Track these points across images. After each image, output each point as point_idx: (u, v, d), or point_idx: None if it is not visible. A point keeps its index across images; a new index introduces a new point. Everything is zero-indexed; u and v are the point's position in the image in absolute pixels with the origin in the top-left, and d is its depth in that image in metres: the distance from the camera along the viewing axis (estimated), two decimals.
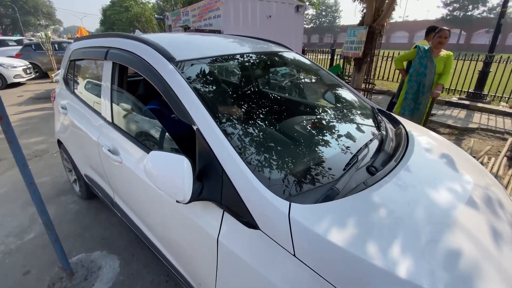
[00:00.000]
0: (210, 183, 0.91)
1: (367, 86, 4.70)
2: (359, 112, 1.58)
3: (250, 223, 0.83)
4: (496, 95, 5.64)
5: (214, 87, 1.24)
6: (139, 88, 1.84)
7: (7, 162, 3.18)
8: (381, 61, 7.48)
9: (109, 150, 1.44)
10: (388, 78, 7.86)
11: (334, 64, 7.96)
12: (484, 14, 35.70)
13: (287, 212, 0.77)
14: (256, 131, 1.14)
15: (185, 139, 1.24)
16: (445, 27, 3.00)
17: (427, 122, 3.25)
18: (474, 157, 3.16)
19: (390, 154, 1.18)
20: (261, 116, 1.30)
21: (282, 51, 1.78)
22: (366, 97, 4.69)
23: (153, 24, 20.27)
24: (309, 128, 1.36)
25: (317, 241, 0.73)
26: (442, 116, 4.83)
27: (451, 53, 3.04)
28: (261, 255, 0.79)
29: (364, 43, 3.07)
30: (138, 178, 1.25)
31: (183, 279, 1.22)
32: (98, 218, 2.22)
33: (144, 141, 1.36)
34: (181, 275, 1.22)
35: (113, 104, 1.52)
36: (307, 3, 11.60)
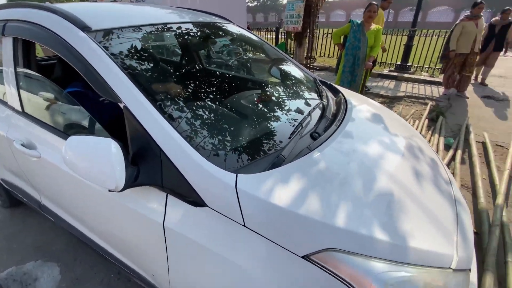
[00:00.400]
0: (147, 166, 0.83)
1: (308, 61, 4.86)
2: (302, 83, 1.62)
3: (197, 202, 0.79)
4: (419, 66, 6.40)
5: (142, 59, 1.10)
6: (56, 68, 1.56)
7: None
8: (322, 39, 7.80)
9: (22, 145, 1.22)
10: (329, 54, 8.26)
11: (279, 42, 8.02)
12: None
13: (234, 184, 0.76)
14: (197, 105, 1.08)
15: (116, 122, 1.11)
16: (373, 2, 3.21)
17: (362, 92, 3.54)
18: None
19: (331, 120, 1.25)
20: (202, 90, 1.23)
21: (222, 22, 1.69)
22: None
23: None
24: (254, 102, 1.35)
25: (264, 207, 0.73)
26: (375, 87, 5.32)
27: (380, 27, 3.29)
28: (211, 232, 0.78)
29: (303, 17, 3.13)
30: (63, 172, 1.09)
31: (135, 274, 1.14)
32: (26, 226, 1.94)
33: (66, 130, 1.18)
34: (132, 269, 1.14)
35: (21, 90, 1.27)
36: None
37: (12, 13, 1.25)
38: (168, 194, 0.84)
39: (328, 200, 0.77)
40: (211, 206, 0.77)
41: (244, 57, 2.08)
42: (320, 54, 8.44)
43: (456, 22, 4.36)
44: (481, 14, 4.16)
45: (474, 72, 4.99)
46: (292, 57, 5.23)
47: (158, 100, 0.92)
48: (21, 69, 1.26)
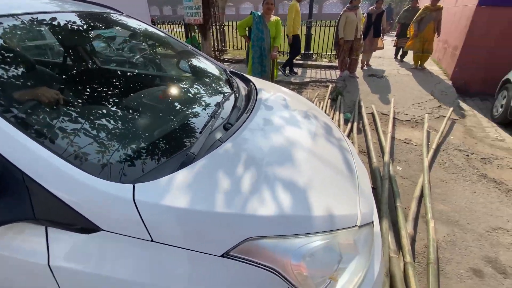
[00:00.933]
0: (10, 198, 0.64)
1: (217, 54, 4.83)
2: (211, 76, 1.57)
3: (87, 228, 0.65)
4: (319, 53, 7.19)
5: None
6: None
7: None
8: (233, 31, 7.89)
9: None
10: (241, 47, 8.45)
11: (190, 36, 7.74)
12: None
13: (131, 196, 0.65)
14: (76, 111, 0.90)
15: None
16: None
17: (273, 81, 3.75)
18: None
19: (243, 109, 1.24)
20: (83, 92, 1.05)
21: (105, 12, 1.46)
22: None
23: None
24: (157, 100, 1.23)
25: (171, 214, 0.66)
26: (286, 75, 5.73)
27: (279, 18, 3.51)
28: (114, 259, 0.65)
29: (202, 8, 3.07)
30: None
31: None
32: None
33: None
34: None
35: None
36: None
37: None
38: (48, 227, 0.68)
39: (239, 190, 0.75)
40: (107, 228, 0.65)
41: (145, 53, 1.89)
42: (233, 46, 8.55)
43: (340, 13, 5.04)
44: (359, 5, 4.91)
45: (361, 56, 5.88)
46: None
47: (15, 113, 0.73)
48: None
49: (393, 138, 3.10)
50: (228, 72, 1.66)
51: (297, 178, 0.86)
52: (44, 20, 1.11)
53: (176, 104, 1.23)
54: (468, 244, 1.76)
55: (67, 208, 0.64)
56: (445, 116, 3.54)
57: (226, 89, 1.46)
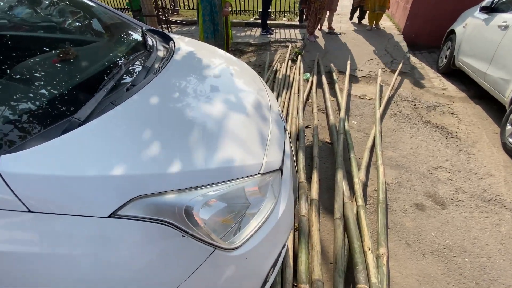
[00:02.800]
0: None
1: (161, 13, 4.30)
2: (122, 35, 1.44)
3: None
4: (278, 11, 6.89)
5: None
6: None
7: None
8: None
9: None
10: (195, 7, 7.77)
11: None
12: None
13: None
14: None
15: None
16: None
17: (229, 41, 3.54)
18: (270, 66, 3.88)
19: (152, 69, 1.14)
20: None
21: None
22: (166, 29, 4.40)
23: None
24: (52, 63, 1.07)
25: (51, 183, 0.62)
26: (245, 36, 5.46)
27: None
28: None
29: None
30: None
31: None
32: None
33: None
34: None
35: None
36: None
37: None
38: None
39: (128, 152, 0.73)
40: None
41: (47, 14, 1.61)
42: (185, 6, 7.82)
43: None
44: None
45: (325, 16, 5.58)
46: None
47: None
48: None
49: (349, 94, 3.21)
50: (145, 30, 1.51)
51: (198, 137, 0.86)
52: None
53: (71, 67, 1.10)
54: (412, 184, 1.97)
55: None
56: (396, 70, 3.70)
57: (138, 48, 1.33)
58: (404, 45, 4.73)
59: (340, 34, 5.37)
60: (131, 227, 0.65)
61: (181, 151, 0.79)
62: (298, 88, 3.13)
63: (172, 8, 7.25)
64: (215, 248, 0.74)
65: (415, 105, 3.00)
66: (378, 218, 1.61)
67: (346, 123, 2.49)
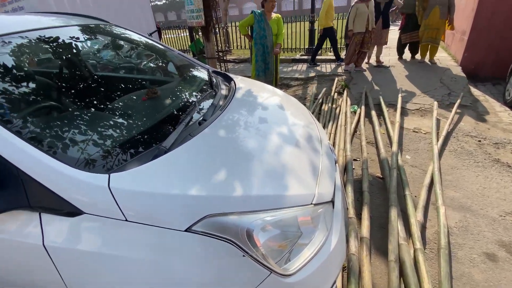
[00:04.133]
0: (8, 191, 0.76)
1: (221, 55, 4.89)
2: (193, 76, 1.67)
3: (72, 212, 0.76)
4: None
5: None
6: None
7: None
8: (236, 31, 7.95)
9: None
10: (245, 46, 8.50)
11: (195, 39, 7.85)
12: None
13: (107, 184, 0.76)
14: (58, 112, 1.04)
15: None
16: None
17: (277, 77, 3.77)
18: (316, 98, 3.98)
19: (219, 106, 1.32)
20: (62, 96, 1.18)
21: (93, 24, 1.58)
22: (224, 66, 4.91)
23: None
24: (137, 100, 1.33)
25: (142, 198, 0.77)
26: (291, 71, 5.74)
27: (280, 16, 3.53)
28: (96, 237, 0.76)
29: (203, 11, 3.13)
30: None
31: None
32: None
33: None
34: None
35: None
36: None
37: None
38: (41, 213, 0.79)
39: (202, 176, 0.86)
40: (89, 211, 0.76)
41: (129, 59, 1.97)
42: (238, 46, 8.61)
43: (352, 5, 4.94)
44: None
45: (373, 50, 5.47)
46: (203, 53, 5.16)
47: (6, 116, 0.86)
48: None
49: (401, 127, 3.08)
50: (211, 72, 1.75)
51: (258, 166, 0.96)
52: (46, 35, 1.26)
53: (156, 104, 1.34)
54: (481, 229, 1.74)
55: (54, 196, 0.75)
56: (455, 103, 3.47)
57: (206, 88, 1.54)
58: (462, 76, 4.44)
59: (389, 67, 5.29)
60: (202, 241, 0.75)
61: (243, 178, 0.89)
62: (345, 120, 3.12)
63: (226, 48, 8.05)
64: (271, 272, 0.79)
65: (480, 141, 2.74)
66: (440, 265, 1.45)
67: (399, 158, 2.38)
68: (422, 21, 4.93)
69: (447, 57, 5.70)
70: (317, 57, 6.41)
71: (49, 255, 0.77)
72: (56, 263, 0.78)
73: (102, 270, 0.77)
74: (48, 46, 1.32)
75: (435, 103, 3.49)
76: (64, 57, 1.44)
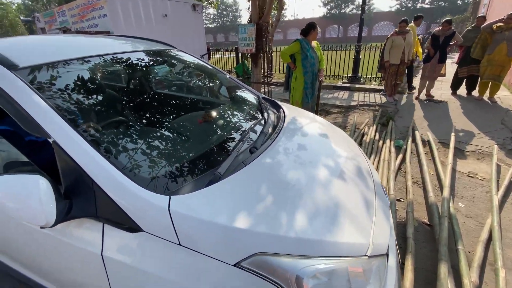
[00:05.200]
0: (81, 198, 0.82)
1: (266, 80, 5.12)
2: (245, 102, 1.71)
3: (133, 228, 0.80)
4: (367, 76, 6.99)
5: (71, 92, 1.08)
6: None
7: None
8: (278, 56, 8.19)
9: None
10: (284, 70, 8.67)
11: (240, 62, 8.26)
12: (354, 11, 43.66)
13: (167, 206, 0.78)
14: (132, 133, 1.10)
15: (46, 157, 1.05)
16: (314, 22, 3.50)
17: (318, 104, 3.75)
18: (357, 128, 3.83)
19: (269, 134, 1.32)
20: (138, 117, 1.25)
21: (162, 49, 1.72)
22: (267, 89, 5.06)
23: (19, 27, 16.53)
24: (192, 123, 1.38)
25: (196, 224, 0.77)
26: (331, 98, 5.66)
27: (318, 43, 3.62)
28: (149, 255, 0.78)
29: (255, 39, 3.29)
30: None
31: None
32: None
33: (5, 169, 1.09)
34: None
35: None
36: (206, 2, 11.61)
37: None
38: (104, 224, 0.84)
39: (255, 209, 0.84)
40: (147, 230, 0.79)
41: (182, 81, 2.11)
42: (278, 70, 8.83)
43: (387, 37, 4.90)
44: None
45: (424, 84, 5.16)
46: (249, 77, 5.42)
47: (87, 132, 0.93)
48: None
49: (454, 170, 2.79)
50: (261, 99, 1.77)
51: (311, 203, 0.92)
52: (119, 57, 1.41)
53: (211, 127, 1.38)
54: None
55: (120, 211, 0.79)
56: None
57: (257, 115, 1.56)
58: None
59: (440, 102, 4.95)
60: (250, 279, 0.73)
61: (296, 216, 0.85)
62: (389, 155, 2.94)
63: (269, 72, 8.33)
64: None
65: None
66: None
67: (451, 205, 2.13)
68: (479, 54, 4.60)
69: (509, 96, 5.17)
70: (359, 85, 6.29)
71: (104, 264, 0.81)
72: (109, 273, 0.82)
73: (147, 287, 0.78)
74: (122, 69, 1.48)
75: (495, 146, 3.13)
76: (133, 79, 1.60)
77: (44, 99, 0.90)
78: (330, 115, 4.77)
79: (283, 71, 8.63)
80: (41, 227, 0.79)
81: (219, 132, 1.30)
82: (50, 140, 0.83)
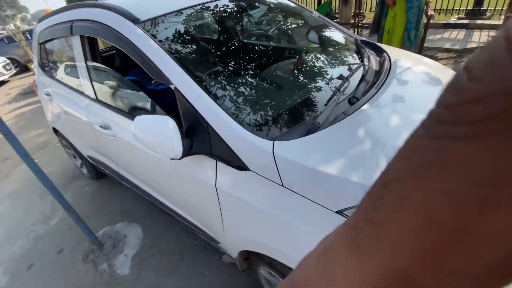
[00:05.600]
0: (199, 138, 0.97)
1: (356, 19, 4.42)
2: (341, 46, 1.55)
3: (241, 166, 0.91)
4: (497, 8, 5.26)
5: (186, 42, 1.22)
6: (115, 58, 1.78)
7: (14, 159, 3.26)
8: None
9: (101, 127, 1.45)
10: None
11: (322, 2, 7.38)
12: None
13: (271, 150, 0.85)
14: (236, 81, 1.17)
15: (170, 101, 1.24)
16: None
17: (422, 47, 3.11)
18: None
19: (372, 83, 1.19)
20: (239, 65, 1.30)
21: None
22: (357, 32, 4.43)
23: None
24: (290, 71, 1.36)
25: (299, 169, 0.82)
26: (439, 40, 4.60)
27: None
28: (255, 191, 0.89)
29: None
30: (134, 147, 1.29)
31: (199, 230, 1.34)
32: (113, 194, 2.35)
33: (131, 111, 1.37)
34: (196, 226, 1.34)
35: (93, 81, 1.49)
36: None
37: (76, 14, 1.44)
38: (217, 161, 0.98)
39: (357, 161, 0.82)
40: (253, 169, 0.89)
41: (283, 25, 2.01)
42: (371, 9, 7.53)
43: None
44: None
45: None
46: (337, 18, 4.80)
47: (202, 79, 1.04)
48: (90, 63, 1.47)
49: None
50: (360, 42, 1.55)
51: None
52: (208, 7, 1.43)
53: (305, 75, 1.32)
54: None
55: (230, 150, 0.91)
56: None
57: (355, 60, 1.40)
58: None
59: None
60: None
61: None
62: None
63: (359, 11, 7.25)
64: None
65: None
66: None
67: None
68: None
69: None
70: (481, 21, 4.84)
71: (217, 193, 0.99)
72: (221, 202, 1.00)
73: (253, 219, 0.92)
74: (228, 16, 1.52)
75: None
76: (224, 28, 1.65)
77: (164, 49, 1.04)
78: (437, 61, 3.94)
79: (371, 9, 7.34)
80: (171, 159, 0.99)
81: (315, 80, 1.26)
82: (172, 87, 0.98)
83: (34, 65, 2.30)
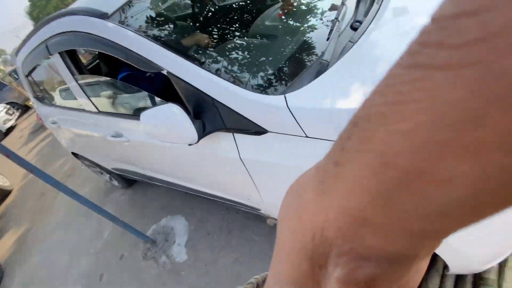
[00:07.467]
0: (208, 116, 0.94)
1: None
2: None
3: (259, 131, 0.88)
4: None
5: (162, 23, 1.14)
6: (101, 65, 1.73)
7: (49, 193, 3.46)
8: None
9: (113, 136, 1.47)
10: None
11: None
12: None
13: (285, 104, 0.79)
14: (227, 46, 1.10)
15: (168, 88, 1.21)
16: None
17: None
18: None
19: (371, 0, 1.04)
20: (224, 30, 1.22)
21: None
22: None
23: None
24: (278, 17, 1.25)
25: (320, 115, 0.76)
26: None
27: None
28: (280, 151, 0.87)
29: None
30: (151, 145, 1.30)
31: (237, 203, 1.37)
32: (147, 195, 2.46)
33: (136, 112, 1.36)
34: (234, 201, 1.37)
35: (90, 97, 1.48)
36: None
37: (46, 32, 1.38)
38: (234, 133, 0.95)
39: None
40: (272, 130, 0.85)
41: None
42: None
43: None
44: None
45: None
46: None
47: (192, 55, 0.98)
48: (81, 80, 1.44)
49: None
50: None
51: None
52: None
53: (298, 16, 1.21)
54: None
55: (243, 118, 0.87)
56: None
57: None
58: None
59: None
60: None
61: None
62: None
63: None
64: None
65: None
66: None
67: None
68: None
69: None
70: None
71: (244, 165, 0.98)
72: (250, 171, 0.99)
73: (284, 177, 0.90)
74: None
75: None
76: None
77: (143, 36, 0.98)
78: None
79: None
80: (189, 145, 0.97)
81: (309, 17, 1.15)
82: (164, 72, 0.93)
83: (31, 100, 2.32)
